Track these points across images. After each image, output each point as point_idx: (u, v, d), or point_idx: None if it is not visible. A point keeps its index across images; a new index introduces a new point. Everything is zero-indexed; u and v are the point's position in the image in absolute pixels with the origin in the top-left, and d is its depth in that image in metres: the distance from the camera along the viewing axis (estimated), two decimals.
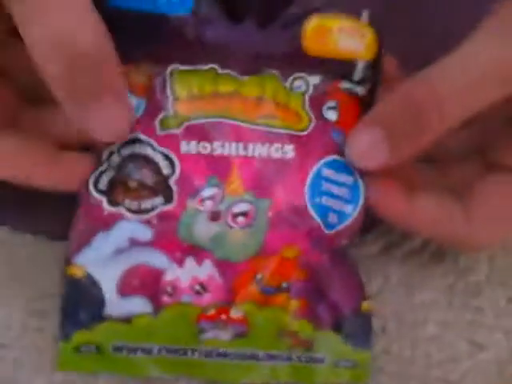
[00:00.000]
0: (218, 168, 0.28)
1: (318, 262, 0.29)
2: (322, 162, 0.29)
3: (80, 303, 0.28)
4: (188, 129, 0.28)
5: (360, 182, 0.29)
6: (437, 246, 0.34)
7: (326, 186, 0.29)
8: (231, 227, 0.28)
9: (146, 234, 0.28)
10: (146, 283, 0.28)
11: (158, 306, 0.28)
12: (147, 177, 0.28)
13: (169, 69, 0.29)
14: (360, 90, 0.30)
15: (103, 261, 0.28)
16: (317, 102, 0.29)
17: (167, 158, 0.28)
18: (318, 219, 0.29)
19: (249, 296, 0.28)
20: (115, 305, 0.27)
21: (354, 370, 0.29)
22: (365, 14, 0.30)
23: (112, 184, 0.28)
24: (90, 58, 0.24)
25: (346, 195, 0.29)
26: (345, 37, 0.29)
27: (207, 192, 0.28)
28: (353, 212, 0.29)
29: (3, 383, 0.29)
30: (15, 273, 0.32)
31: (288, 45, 0.29)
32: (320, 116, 0.29)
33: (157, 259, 0.28)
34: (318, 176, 0.29)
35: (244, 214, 0.28)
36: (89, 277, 0.28)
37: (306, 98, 0.29)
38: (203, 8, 0.29)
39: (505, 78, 0.26)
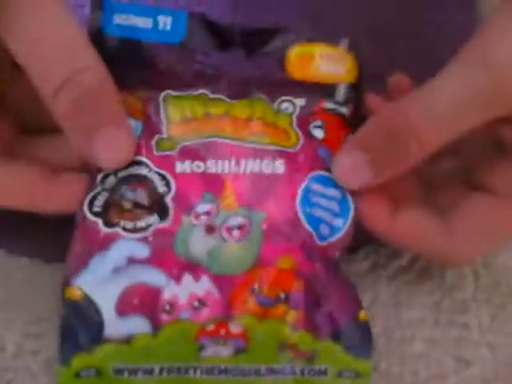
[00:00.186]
0: (212, 184, 0.29)
1: (312, 271, 0.29)
2: (310, 176, 0.30)
3: (79, 326, 0.27)
4: (182, 150, 0.29)
5: (349, 197, 0.30)
6: (424, 264, 0.35)
7: (315, 199, 0.30)
8: (226, 241, 0.28)
9: (143, 251, 0.28)
10: (144, 302, 0.27)
11: (156, 325, 0.27)
12: (141, 196, 0.29)
13: (162, 94, 0.30)
14: (344, 110, 0.31)
15: (101, 281, 0.27)
16: (304, 122, 0.31)
17: (163, 177, 0.29)
18: (310, 230, 0.29)
19: (247, 308, 0.28)
20: (114, 325, 0.27)
21: (356, 380, 0.29)
22: (343, 42, 0.31)
23: (106, 206, 0.28)
24: (93, 93, 0.27)
25: (336, 209, 0.30)
26: (326, 62, 0.31)
27: (202, 207, 0.29)
28: (343, 225, 0.30)
29: None
30: (11, 296, 0.32)
31: (274, 70, 0.31)
32: (307, 134, 0.31)
33: (154, 277, 0.28)
34: (308, 190, 0.30)
35: (239, 227, 0.29)
36: (87, 298, 0.27)
37: (294, 117, 0.31)
38: (194, 37, 0.30)
39: (480, 106, 0.27)
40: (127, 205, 0.28)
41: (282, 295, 0.28)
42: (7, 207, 0.30)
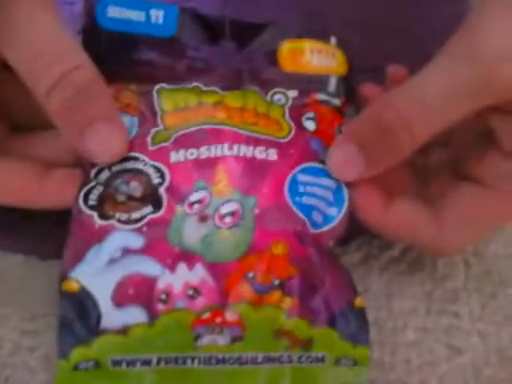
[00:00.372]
0: (205, 170, 0.29)
1: (306, 257, 0.29)
2: (299, 168, 0.30)
3: (76, 318, 0.27)
4: (176, 139, 0.30)
5: (344, 187, 0.31)
6: (415, 254, 0.35)
7: (305, 188, 0.30)
8: (219, 228, 0.29)
9: (137, 241, 0.28)
10: (140, 292, 0.27)
11: (153, 315, 0.27)
12: (135, 189, 0.29)
13: (156, 87, 0.31)
14: (336, 102, 0.32)
15: (97, 273, 0.28)
16: (296, 113, 0.31)
17: (158, 169, 0.29)
18: (302, 217, 0.29)
19: (242, 296, 0.28)
20: (111, 317, 0.27)
21: (354, 368, 0.29)
22: (333, 38, 0.32)
23: (101, 199, 0.29)
24: (85, 91, 0.28)
25: (330, 198, 0.30)
26: (317, 56, 0.32)
27: (195, 196, 0.29)
28: (337, 215, 0.30)
29: None
30: (7, 293, 0.32)
31: (264, 64, 0.31)
32: (299, 126, 0.31)
33: (149, 267, 0.28)
34: (295, 181, 0.30)
35: (231, 213, 0.29)
36: (84, 290, 0.27)
37: (286, 109, 0.31)
38: (185, 32, 0.30)
39: (468, 97, 0.28)
40: (121, 197, 0.29)
41: (277, 282, 0.28)
42: (1, 204, 0.30)
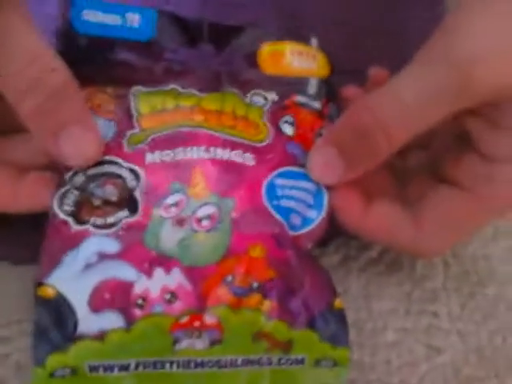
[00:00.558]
0: (181, 172, 0.29)
1: (284, 259, 0.29)
2: (276, 173, 0.30)
3: (52, 325, 0.27)
4: (153, 141, 0.30)
5: (324, 189, 0.31)
6: (394, 255, 0.35)
7: (283, 192, 0.30)
8: (196, 231, 0.28)
9: (113, 246, 0.28)
10: (116, 297, 0.27)
11: (130, 320, 0.27)
12: (110, 193, 0.29)
13: (132, 90, 0.31)
14: (316, 104, 0.32)
15: (73, 279, 0.27)
16: (274, 116, 0.31)
17: (132, 171, 0.29)
18: (280, 220, 0.29)
19: (220, 299, 0.28)
20: (88, 322, 0.27)
21: (334, 368, 0.29)
22: (313, 40, 0.32)
23: (76, 203, 0.29)
24: (58, 95, 0.28)
25: (310, 200, 0.30)
26: (298, 58, 0.31)
27: (171, 199, 0.29)
28: (317, 217, 0.30)
29: None
30: None
31: (243, 66, 0.31)
32: (277, 129, 0.31)
33: (126, 272, 0.27)
34: (272, 185, 0.30)
35: (208, 217, 0.29)
36: (60, 296, 0.27)
37: (265, 111, 0.31)
38: (164, 35, 0.30)
39: (445, 100, 0.28)
40: (97, 202, 0.29)
41: (255, 284, 0.28)
42: None
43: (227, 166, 0.29)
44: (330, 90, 0.32)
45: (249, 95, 0.31)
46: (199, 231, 0.28)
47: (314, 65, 0.32)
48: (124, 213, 0.28)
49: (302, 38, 0.32)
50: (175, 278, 0.28)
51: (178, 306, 0.27)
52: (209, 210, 0.29)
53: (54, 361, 0.27)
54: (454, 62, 0.27)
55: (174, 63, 0.31)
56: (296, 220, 0.30)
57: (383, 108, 0.28)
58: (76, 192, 0.29)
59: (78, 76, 0.29)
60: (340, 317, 0.29)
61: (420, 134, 0.29)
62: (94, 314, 0.27)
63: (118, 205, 0.28)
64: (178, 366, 0.27)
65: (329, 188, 0.31)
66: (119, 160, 0.29)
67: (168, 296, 0.27)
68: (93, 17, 0.30)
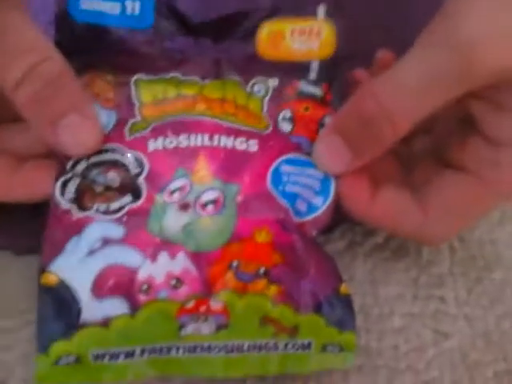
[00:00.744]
0: (185, 159, 0.29)
1: (290, 244, 0.29)
2: (282, 159, 0.30)
3: (56, 312, 0.27)
4: (155, 129, 0.29)
5: (331, 177, 0.30)
6: (399, 240, 0.35)
7: (287, 178, 0.30)
8: (201, 216, 0.28)
9: (117, 231, 0.28)
10: (120, 283, 0.27)
11: (134, 306, 0.27)
12: (112, 179, 0.28)
13: (133, 79, 0.30)
14: (318, 92, 0.31)
15: (76, 265, 0.27)
16: (273, 111, 0.31)
17: (136, 159, 0.29)
18: (285, 205, 0.29)
19: (226, 284, 0.27)
20: (91, 309, 0.27)
21: (340, 354, 0.29)
22: (321, 9, 0.31)
23: (79, 190, 0.28)
24: (54, 83, 0.27)
25: (316, 187, 0.30)
26: (298, 39, 0.31)
27: (175, 184, 0.29)
28: (323, 204, 0.30)
29: None
30: None
31: (244, 52, 0.30)
32: (276, 125, 0.31)
33: (130, 257, 0.27)
34: (277, 171, 0.30)
35: (213, 201, 0.28)
36: (63, 283, 0.27)
37: (265, 103, 0.31)
38: (163, 23, 0.30)
39: (447, 84, 0.28)
40: (99, 188, 0.28)
41: (262, 270, 0.28)
42: None
43: (231, 154, 0.29)
44: (332, 71, 0.32)
45: (250, 84, 0.31)
46: (204, 216, 0.28)
47: (316, 44, 0.31)
48: (127, 198, 0.28)
49: (307, 11, 0.31)
50: (180, 263, 0.27)
51: (183, 291, 0.27)
52: (213, 194, 0.29)
53: (57, 348, 0.26)
54: (454, 46, 0.27)
55: (174, 51, 0.31)
56: (302, 206, 0.30)
57: (387, 94, 0.28)
58: (77, 179, 0.28)
59: (76, 65, 0.28)
60: (346, 302, 0.29)
61: (424, 119, 0.28)
62: (98, 300, 0.27)
63: (121, 191, 0.28)
64: (184, 352, 0.27)
65: (335, 175, 0.30)
66: (121, 147, 0.29)
67: (173, 281, 0.27)
68: (91, 5, 0.30)
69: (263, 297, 0.28)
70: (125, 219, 0.28)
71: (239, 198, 0.29)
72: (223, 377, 0.28)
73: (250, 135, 0.30)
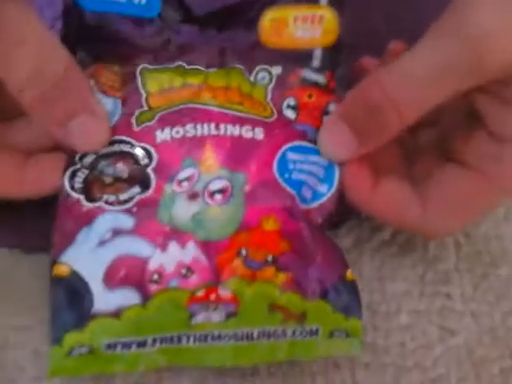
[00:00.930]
0: (192, 148, 0.29)
1: (297, 231, 0.29)
2: (287, 146, 0.30)
3: (68, 302, 0.27)
4: (161, 118, 0.30)
5: (335, 165, 0.31)
6: (406, 236, 0.35)
7: (293, 165, 0.30)
8: (209, 205, 0.28)
9: (127, 222, 0.28)
10: (131, 273, 0.27)
11: (145, 296, 0.27)
12: (121, 170, 0.29)
13: (138, 68, 0.30)
14: (321, 79, 0.31)
15: (87, 256, 0.27)
16: (277, 98, 0.31)
17: (145, 150, 0.29)
18: (292, 192, 0.29)
19: (235, 272, 0.28)
20: (103, 299, 0.27)
21: (347, 339, 0.29)
22: None
23: (87, 181, 0.28)
24: (62, 83, 0.27)
25: (321, 174, 0.30)
26: (301, 26, 0.31)
27: (184, 173, 0.29)
28: (327, 191, 0.30)
29: None
30: None
31: (248, 41, 0.31)
32: (280, 113, 0.31)
33: (141, 247, 0.27)
34: (283, 159, 0.30)
35: (221, 190, 0.29)
36: (74, 274, 0.27)
37: (269, 91, 0.31)
38: (169, 12, 0.30)
39: (456, 77, 0.28)
40: (108, 179, 0.29)
41: (270, 258, 0.28)
42: None
43: (237, 142, 0.30)
44: (335, 58, 0.32)
45: (253, 72, 0.31)
46: (212, 205, 0.28)
47: (319, 31, 0.31)
48: (136, 189, 0.28)
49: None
50: (190, 253, 0.28)
51: (193, 280, 0.27)
52: (220, 183, 0.29)
53: (70, 339, 0.27)
54: (465, 38, 0.27)
55: (180, 40, 0.31)
56: (307, 193, 0.30)
57: (394, 83, 0.28)
58: (86, 171, 0.29)
59: (84, 56, 0.29)
60: (352, 288, 0.29)
61: (430, 111, 0.29)
62: (110, 291, 0.27)
63: (130, 182, 0.28)
64: (194, 341, 0.27)
65: (339, 164, 0.31)
66: (130, 139, 0.29)
67: (184, 270, 0.27)
68: None
69: (271, 284, 0.28)
70: (135, 210, 0.28)
71: (247, 187, 0.29)
72: (233, 365, 0.28)
73: (255, 123, 0.30)
